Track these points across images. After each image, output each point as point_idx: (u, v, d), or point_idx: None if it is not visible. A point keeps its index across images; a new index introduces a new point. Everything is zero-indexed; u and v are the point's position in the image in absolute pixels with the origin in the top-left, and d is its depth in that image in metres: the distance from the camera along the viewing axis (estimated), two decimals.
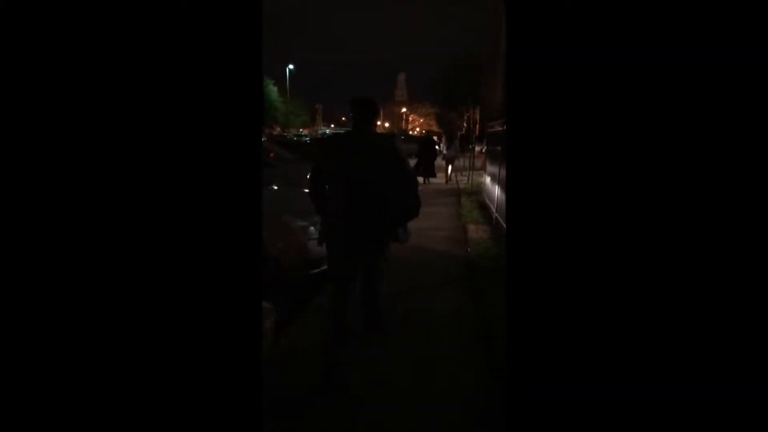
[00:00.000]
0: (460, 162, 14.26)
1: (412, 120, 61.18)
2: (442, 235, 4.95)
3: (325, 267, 3.33)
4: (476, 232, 5.12)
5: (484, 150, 10.27)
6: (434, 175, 11.02)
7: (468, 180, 10.41)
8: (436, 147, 14.38)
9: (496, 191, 5.56)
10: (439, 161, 13.07)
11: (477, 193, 8.08)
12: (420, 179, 10.20)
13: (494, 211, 5.56)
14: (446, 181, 11.24)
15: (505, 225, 4.63)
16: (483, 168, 11.49)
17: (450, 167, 11.73)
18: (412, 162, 9.50)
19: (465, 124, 38.89)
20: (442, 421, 1.74)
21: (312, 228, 3.39)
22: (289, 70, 36.02)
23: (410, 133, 47.25)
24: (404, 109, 64.87)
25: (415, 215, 2.12)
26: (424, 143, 11.60)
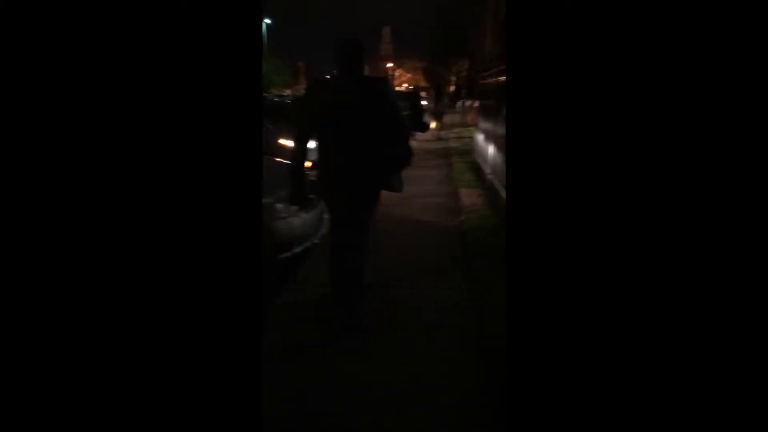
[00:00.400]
0: (450, 118, 13.65)
1: (399, 75, 59.27)
2: (433, 202, 4.47)
3: (297, 250, 3.00)
4: (469, 197, 4.64)
5: (476, 105, 9.95)
6: (422, 129, 10.66)
7: (459, 138, 9.81)
8: (423, 102, 14.20)
9: (490, 151, 5.03)
10: (427, 118, 12.61)
11: (469, 152, 7.54)
12: None
13: (488, 172, 5.06)
14: (436, 135, 11.03)
15: (501, 190, 4.17)
16: (473, 123, 11.02)
17: (439, 123, 11.37)
18: None
19: (454, 78, 37.80)
20: None
21: (279, 205, 2.86)
22: (266, 24, 33.82)
23: (397, 88, 45.76)
24: (390, 64, 62.61)
25: (407, 164, 1.99)
26: (411, 98, 11.33)
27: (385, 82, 2.10)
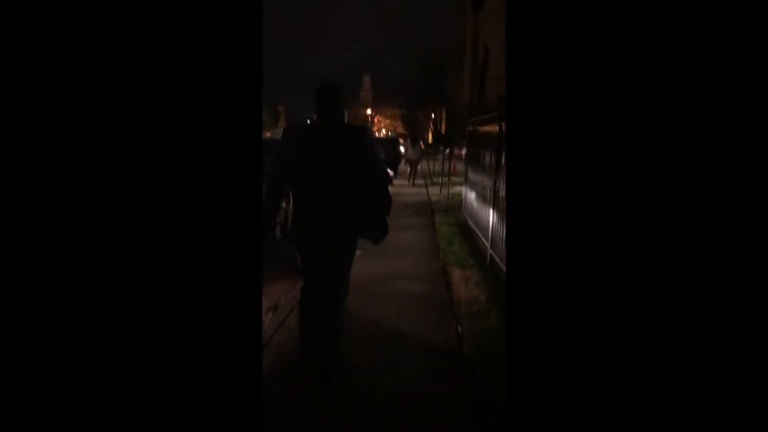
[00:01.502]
0: (427, 166, 12.74)
1: (378, 121, 59.92)
2: (414, 294, 3.12)
3: None
4: (465, 284, 3.31)
5: (462, 151, 9.35)
6: (394, 175, 10.30)
7: (441, 191, 8.67)
8: (400, 148, 13.80)
9: (487, 216, 3.81)
10: (402, 166, 11.79)
11: (453, 209, 6.36)
12: None
13: (488, 245, 3.79)
14: (410, 181, 10.79)
15: (505, 269, 2.90)
16: (454, 172, 10.14)
17: (413, 170, 11.14)
18: None
19: (432, 125, 38.06)
20: None
21: None
22: None
23: (376, 134, 45.81)
24: (369, 111, 63.36)
25: (387, 213, 1.88)
26: (388, 145, 11.01)
27: (364, 129, 1.98)
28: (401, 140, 16.65)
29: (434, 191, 8.95)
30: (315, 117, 1.82)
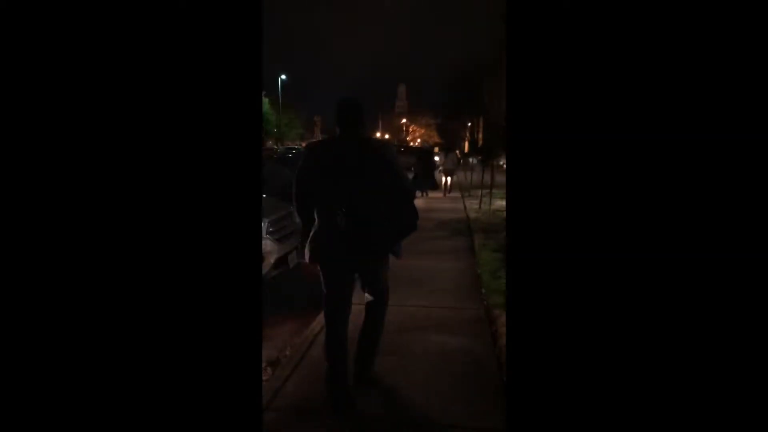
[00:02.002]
0: (464, 177, 11.88)
1: (413, 130, 59.41)
2: (451, 348, 2.35)
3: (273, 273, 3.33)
4: None
5: (501, 163, 8.56)
6: (434, 187, 10.08)
7: (481, 206, 7.80)
8: (435, 159, 13.29)
9: None
10: (438, 175, 11.33)
11: (496, 230, 5.51)
12: (418, 193, 9.58)
13: None
14: (444, 194, 10.31)
15: None
16: (492, 185, 9.36)
17: (449, 180, 10.70)
18: (410, 174, 9.15)
19: (468, 135, 37.07)
20: None
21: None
22: (281, 80, 33.98)
23: (410, 144, 45.21)
24: (404, 120, 63.00)
25: (412, 230, 1.84)
26: (423, 155, 10.40)
27: (386, 144, 2.09)
28: (436, 150, 16.18)
29: (472, 206, 8.10)
30: (337, 132, 1.80)
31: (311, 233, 1.80)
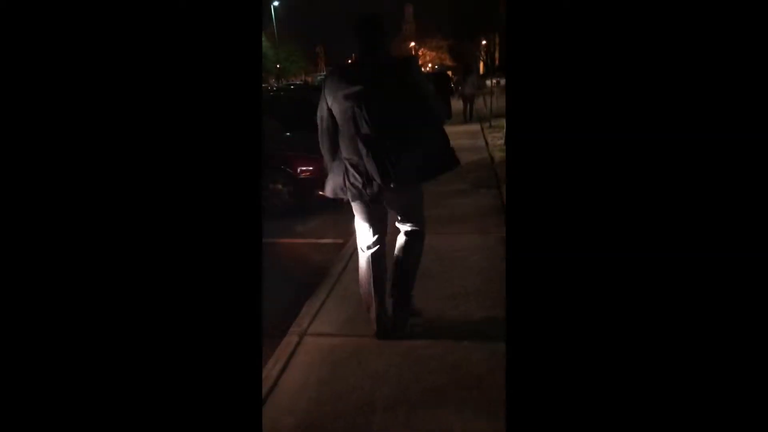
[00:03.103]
0: (483, 103, 10.30)
1: (423, 54, 55.48)
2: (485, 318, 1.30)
3: None
4: None
5: None
6: (447, 116, 8.66)
7: (506, 141, 6.39)
8: (451, 84, 12.21)
9: None
10: (456, 102, 10.19)
11: None
12: None
13: None
14: (466, 119, 9.54)
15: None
16: None
17: (469, 106, 9.85)
18: None
19: (484, 55, 34.22)
20: None
21: None
22: (274, 7, 30.78)
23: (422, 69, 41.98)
24: (413, 44, 58.59)
25: (450, 161, 1.73)
26: (437, 79, 9.22)
27: (411, 60, 1.77)
28: (450, 72, 14.97)
29: (496, 141, 6.69)
30: (357, 54, 1.66)
31: (334, 165, 1.74)
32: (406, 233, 1.81)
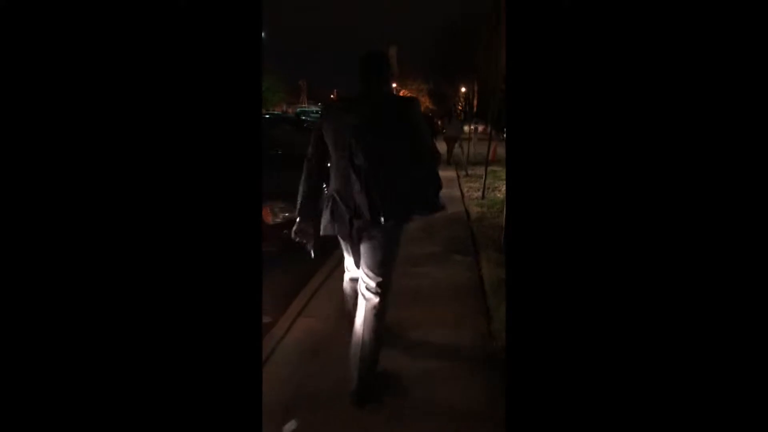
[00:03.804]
0: (460, 149, 9.97)
1: (403, 95, 56.58)
2: None
3: None
4: None
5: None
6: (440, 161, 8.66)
7: (485, 193, 5.80)
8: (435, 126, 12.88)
9: None
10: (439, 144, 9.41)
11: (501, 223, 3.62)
12: None
13: None
14: (448, 161, 9.52)
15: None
16: (493, 159, 7.69)
17: (450, 148, 9.80)
18: None
19: (463, 100, 35.03)
20: None
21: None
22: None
23: None
24: (394, 85, 60.03)
25: (436, 200, 1.65)
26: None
27: (413, 101, 1.64)
28: (431, 115, 15.50)
29: (472, 193, 6.15)
30: (359, 88, 1.59)
31: (326, 202, 1.62)
32: (366, 298, 1.63)
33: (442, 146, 9.68)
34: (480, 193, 5.80)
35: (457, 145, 10.05)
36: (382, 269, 1.60)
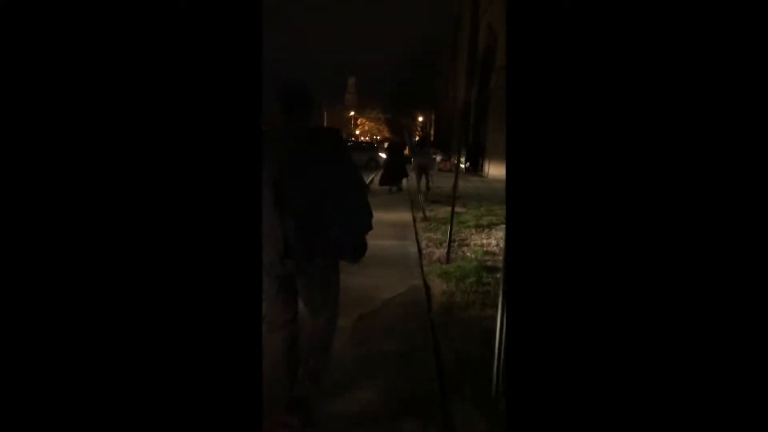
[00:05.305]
0: (417, 185, 8.46)
1: (362, 123, 56.10)
2: None
3: None
4: None
5: (458, 162, 5.89)
6: (406, 175, 9.13)
7: (450, 253, 4.09)
8: (380, 155, 12.56)
9: None
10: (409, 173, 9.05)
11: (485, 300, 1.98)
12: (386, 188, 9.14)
13: None
14: (426, 189, 8.58)
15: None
16: (457, 191, 6.24)
17: (425, 177, 8.70)
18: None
19: (420, 130, 34.56)
20: None
21: None
22: None
23: (361, 139, 41.53)
24: (353, 113, 59.28)
25: (369, 227, 1.62)
26: (394, 149, 9.54)
27: (335, 131, 1.73)
28: (385, 144, 15.19)
29: (432, 250, 4.54)
30: (281, 123, 1.56)
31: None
32: (314, 328, 1.65)
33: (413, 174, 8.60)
34: (443, 251, 4.19)
35: (423, 175, 8.65)
36: (325, 303, 1.63)
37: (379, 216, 2.41)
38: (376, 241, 1.98)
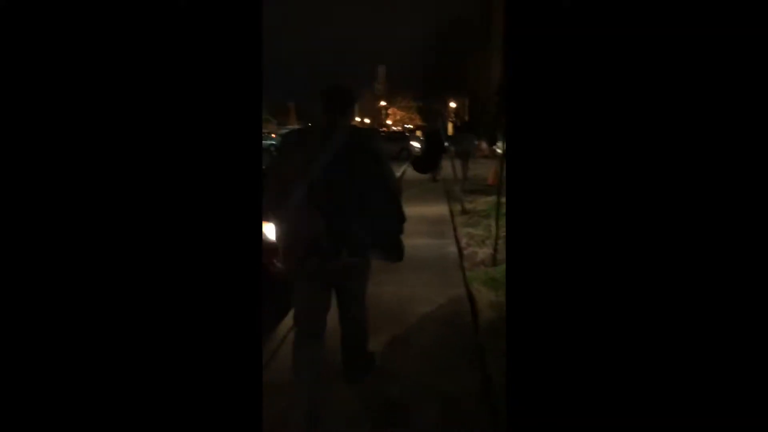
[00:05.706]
0: (452, 171, 7.83)
1: (393, 113, 55.44)
2: None
3: None
4: None
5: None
6: (434, 177, 8.64)
7: (495, 254, 3.49)
8: (414, 144, 11.87)
9: None
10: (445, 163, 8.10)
11: None
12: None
13: None
14: (463, 178, 7.40)
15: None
16: (494, 182, 5.77)
17: (465, 166, 7.82)
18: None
19: (454, 116, 33.61)
20: None
21: None
22: None
23: (393, 128, 40.87)
24: (383, 102, 58.63)
25: (400, 232, 1.61)
26: (430, 136, 8.32)
27: (374, 133, 1.81)
28: (418, 132, 14.69)
29: (476, 247, 4.00)
30: (322, 120, 1.57)
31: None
32: (344, 328, 1.73)
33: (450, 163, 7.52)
34: (490, 251, 3.65)
35: (468, 165, 8.06)
36: (354, 305, 1.69)
37: (411, 210, 2.13)
38: (409, 240, 1.58)
